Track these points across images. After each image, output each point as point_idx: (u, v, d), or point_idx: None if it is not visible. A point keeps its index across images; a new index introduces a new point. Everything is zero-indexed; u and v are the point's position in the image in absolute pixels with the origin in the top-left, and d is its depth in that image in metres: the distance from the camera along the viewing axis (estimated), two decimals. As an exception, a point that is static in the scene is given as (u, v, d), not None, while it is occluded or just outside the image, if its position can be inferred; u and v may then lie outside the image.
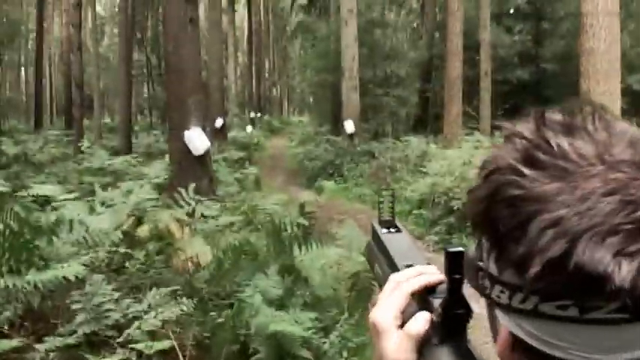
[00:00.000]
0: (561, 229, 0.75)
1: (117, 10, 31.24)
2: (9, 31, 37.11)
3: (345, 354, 5.89)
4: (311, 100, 48.88)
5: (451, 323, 0.97)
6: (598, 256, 0.73)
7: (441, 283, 1.03)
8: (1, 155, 19.15)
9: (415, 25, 41.39)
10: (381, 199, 1.28)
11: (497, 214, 0.81)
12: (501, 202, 0.81)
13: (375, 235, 1.27)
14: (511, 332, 0.86)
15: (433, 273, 1.05)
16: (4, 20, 37.68)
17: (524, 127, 0.85)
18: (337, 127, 27.14)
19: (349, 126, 23.52)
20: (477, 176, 0.88)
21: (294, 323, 5.68)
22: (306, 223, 8.73)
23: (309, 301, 6.55)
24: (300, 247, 7.28)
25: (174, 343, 5.37)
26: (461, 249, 0.94)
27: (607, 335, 0.78)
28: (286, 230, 8.05)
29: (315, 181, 20.87)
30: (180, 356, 5.36)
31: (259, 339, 5.62)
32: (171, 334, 5.49)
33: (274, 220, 8.37)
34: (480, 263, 0.88)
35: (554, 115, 0.86)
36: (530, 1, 30.95)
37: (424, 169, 16.70)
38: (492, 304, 0.88)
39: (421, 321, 1.00)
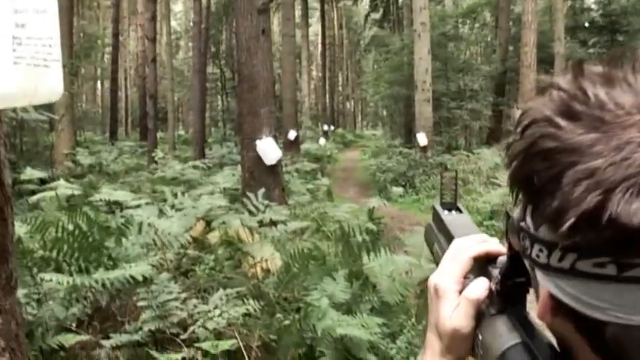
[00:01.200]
0: (595, 180, 0.71)
1: (191, 24, 31.61)
2: (86, 45, 38.02)
3: (412, 360, 5.83)
4: (384, 113, 48.88)
5: (510, 292, 0.95)
6: (633, 208, 0.69)
7: (502, 254, 1.01)
8: (76, 165, 19.52)
9: (489, 38, 41.05)
10: (443, 182, 1.26)
11: (532, 168, 0.79)
12: (537, 155, 0.78)
13: (436, 216, 1.26)
14: (551, 294, 0.82)
15: (496, 244, 1.04)
16: (81, 35, 38.59)
17: (562, 79, 0.82)
18: (410, 140, 27.07)
19: (422, 138, 23.40)
20: (514, 129, 0.85)
21: (361, 328, 5.62)
22: (374, 228, 8.69)
23: (377, 306, 6.50)
24: (368, 254, 7.24)
25: (240, 344, 5.37)
26: None
27: None
28: (355, 237, 8.02)
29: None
30: (246, 357, 5.35)
31: (325, 342, 5.58)
32: (237, 335, 5.49)
33: (343, 227, 8.35)
34: (522, 223, 0.85)
35: (594, 67, 0.82)
36: (605, 14, 30.45)
37: (496, 181, 16.58)
38: (533, 266, 0.85)
39: (480, 286, 0.99)
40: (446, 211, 1.24)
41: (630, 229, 0.69)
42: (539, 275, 0.83)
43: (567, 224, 0.73)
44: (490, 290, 0.97)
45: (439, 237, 1.21)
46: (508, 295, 0.95)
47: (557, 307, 0.82)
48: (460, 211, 1.24)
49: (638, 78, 0.78)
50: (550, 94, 0.82)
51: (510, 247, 0.92)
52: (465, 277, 1.03)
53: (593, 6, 36.66)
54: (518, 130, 0.83)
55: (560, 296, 0.80)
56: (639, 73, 0.79)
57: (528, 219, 0.83)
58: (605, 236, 0.71)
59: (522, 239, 0.85)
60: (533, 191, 0.80)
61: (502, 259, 0.99)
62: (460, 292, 1.00)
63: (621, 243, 0.70)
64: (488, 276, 1.00)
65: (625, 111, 0.75)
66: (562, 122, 0.77)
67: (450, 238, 1.15)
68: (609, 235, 0.70)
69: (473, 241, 1.05)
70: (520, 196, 0.85)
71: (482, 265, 1.02)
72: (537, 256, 0.81)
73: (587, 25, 33.51)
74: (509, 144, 0.85)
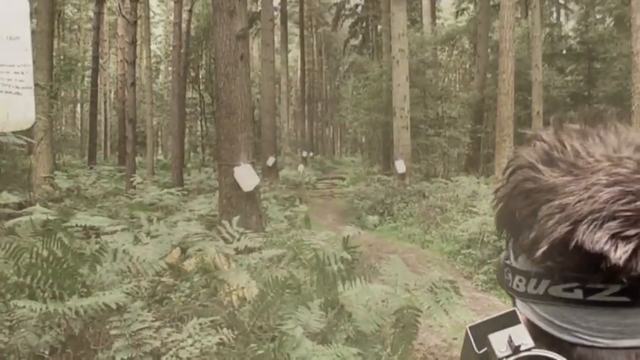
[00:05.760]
0: (566, 214, 0.84)
1: (171, 48, 31.67)
2: (66, 68, 37.94)
3: (386, 390, 5.81)
4: (363, 139, 49.05)
5: None
6: (596, 237, 0.81)
7: None
8: (54, 189, 19.42)
9: (467, 65, 41.39)
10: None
11: (515, 206, 0.93)
12: (519, 195, 0.93)
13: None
14: (528, 319, 0.92)
15: None
16: (62, 57, 38.52)
17: (544, 132, 0.98)
18: (388, 167, 27.15)
19: (400, 166, 23.49)
20: (501, 175, 1.01)
21: (335, 357, 5.60)
22: (349, 257, 8.67)
23: (352, 336, 6.48)
24: (344, 283, 7.23)
25: (214, 374, 5.34)
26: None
27: (609, 320, 0.84)
28: (330, 265, 7.99)
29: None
30: (219, 387, 5.32)
31: (300, 372, 5.55)
32: (210, 364, 5.45)
33: (318, 255, 8.33)
34: (507, 261, 0.98)
35: (572, 125, 0.97)
36: (583, 41, 30.89)
37: (474, 209, 16.65)
38: (514, 298, 0.97)
39: None
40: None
41: (592, 255, 0.81)
42: (519, 304, 0.95)
43: (541, 251, 0.85)
44: None
45: None
46: None
47: (534, 332, 0.90)
48: None
49: (608, 134, 0.94)
50: (534, 145, 0.97)
51: None
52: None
53: (570, 33, 37.21)
54: (505, 175, 0.98)
55: (536, 321, 0.91)
56: (609, 130, 0.94)
57: (511, 252, 0.97)
58: (572, 261, 0.83)
59: (506, 274, 0.97)
60: (515, 226, 0.94)
61: None
62: None
63: (586, 268, 0.82)
64: None
65: (595, 159, 0.89)
66: (542, 167, 0.91)
67: None
68: (575, 260, 0.83)
69: None
70: (504, 232, 1.00)
71: None
72: (517, 285, 0.94)
73: (564, 52, 33.97)
74: (497, 188, 1.00)
